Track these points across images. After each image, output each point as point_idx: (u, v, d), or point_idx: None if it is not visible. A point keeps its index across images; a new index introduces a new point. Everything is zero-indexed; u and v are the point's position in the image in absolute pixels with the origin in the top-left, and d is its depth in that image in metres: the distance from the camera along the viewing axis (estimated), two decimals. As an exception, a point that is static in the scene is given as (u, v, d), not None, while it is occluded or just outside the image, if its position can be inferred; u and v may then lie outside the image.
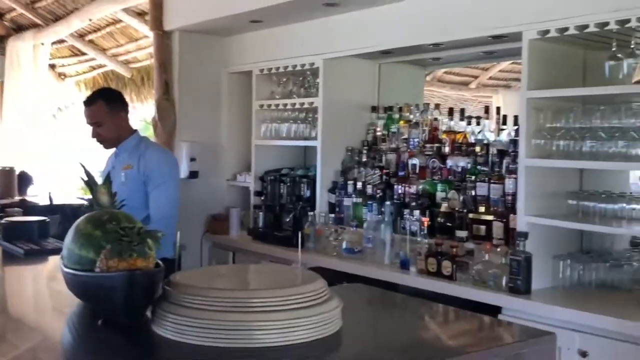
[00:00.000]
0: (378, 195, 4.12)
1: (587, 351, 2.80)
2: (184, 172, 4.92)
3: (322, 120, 4.38)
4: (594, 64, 3.26)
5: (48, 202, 4.46)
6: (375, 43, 4.06)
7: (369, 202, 4.10)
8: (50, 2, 6.93)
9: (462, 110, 4.11)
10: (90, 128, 3.63)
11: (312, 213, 4.35)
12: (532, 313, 2.98)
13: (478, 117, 3.95)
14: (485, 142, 3.76)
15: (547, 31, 3.12)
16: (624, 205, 3.10)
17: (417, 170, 4.03)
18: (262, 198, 4.87)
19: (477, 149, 3.73)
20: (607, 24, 2.91)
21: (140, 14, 6.24)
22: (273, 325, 1.56)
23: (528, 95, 3.20)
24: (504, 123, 3.76)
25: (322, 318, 1.63)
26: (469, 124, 3.97)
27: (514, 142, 3.47)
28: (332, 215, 4.31)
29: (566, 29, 3.05)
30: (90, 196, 2.02)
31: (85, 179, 2.05)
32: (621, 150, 2.96)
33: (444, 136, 3.99)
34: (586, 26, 2.99)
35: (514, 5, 3.34)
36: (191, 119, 5.08)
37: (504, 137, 3.72)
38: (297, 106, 4.63)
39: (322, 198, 4.43)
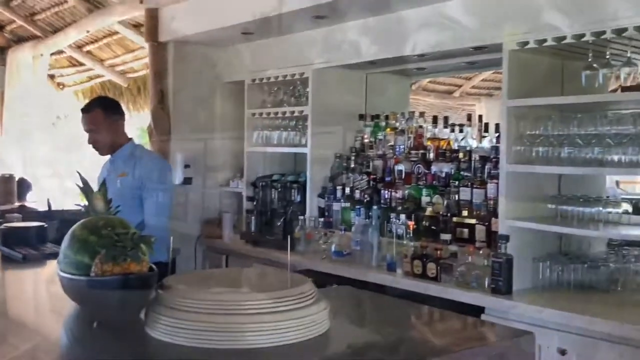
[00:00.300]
0: (365, 200, 4.12)
1: (566, 349, 2.81)
2: (178, 178, 4.91)
3: (312, 127, 4.39)
4: (571, 73, 3.28)
5: (46, 208, 4.43)
6: (362, 54, 4.07)
7: (357, 206, 4.10)
8: (49, 14, 6.91)
9: (446, 118, 4.13)
10: (87, 135, 3.62)
11: (302, 217, 4.35)
12: (514, 313, 2.99)
13: (461, 125, 3.96)
14: (468, 148, 3.78)
15: (526, 42, 3.14)
16: (601, 208, 3.11)
17: (403, 176, 4.04)
18: (254, 203, 4.86)
19: (461, 155, 3.74)
20: (583, 35, 2.93)
21: (136, 26, 6.22)
22: (263, 327, 1.55)
23: (508, 103, 3.22)
24: (486, 130, 3.78)
25: (311, 319, 1.62)
26: (452, 131, 3.99)
27: (496, 149, 3.49)
28: (322, 219, 4.32)
29: (544, 40, 3.07)
30: (86, 202, 2.01)
31: (82, 185, 2.04)
32: (597, 156, 2.98)
33: (428, 143, 4.00)
34: (563, 38, 3.01)
35: (494, 17, 3.35)
36: (185, 127, 5.07)
37: (486, 143, 3.74)
38: (288, 114, 4.63)
39: (312, 203, 4.43)
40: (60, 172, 8.16)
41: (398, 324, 2.12)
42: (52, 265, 2.63)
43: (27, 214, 4.22)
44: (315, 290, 1.72)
